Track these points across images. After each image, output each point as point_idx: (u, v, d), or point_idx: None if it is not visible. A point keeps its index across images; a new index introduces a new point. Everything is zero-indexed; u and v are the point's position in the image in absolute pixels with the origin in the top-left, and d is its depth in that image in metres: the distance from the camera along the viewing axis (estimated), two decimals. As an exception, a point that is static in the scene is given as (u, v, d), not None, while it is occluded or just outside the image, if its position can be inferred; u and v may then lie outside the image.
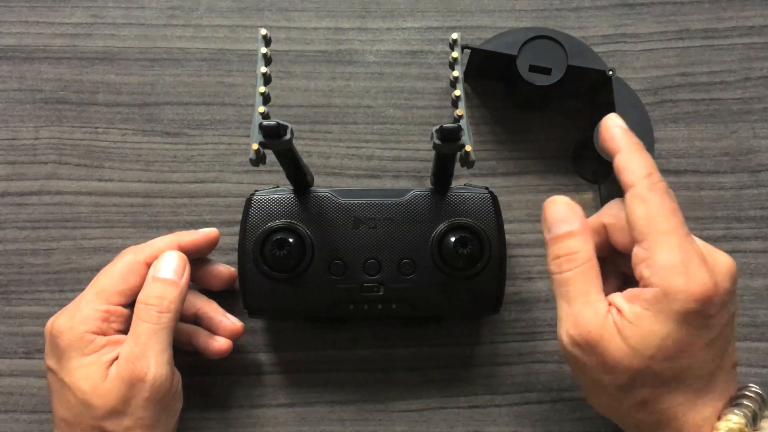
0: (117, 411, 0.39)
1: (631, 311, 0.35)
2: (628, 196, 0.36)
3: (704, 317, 0.34)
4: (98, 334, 0.40)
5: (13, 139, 0.51)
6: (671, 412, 0.35)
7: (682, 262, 0.34)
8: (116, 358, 0.40)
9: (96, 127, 0.51)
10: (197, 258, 0.46)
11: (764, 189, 0.51)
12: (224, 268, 0.47)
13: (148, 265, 0.42)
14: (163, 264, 0.42)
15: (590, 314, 0.36)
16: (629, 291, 0.36)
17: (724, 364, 0.36)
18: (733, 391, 0.37)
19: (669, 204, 0.36)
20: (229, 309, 0.47)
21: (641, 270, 0.35)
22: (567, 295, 0.37)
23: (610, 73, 0.48)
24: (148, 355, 0.39)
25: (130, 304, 0.42)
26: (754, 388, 0.36)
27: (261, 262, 0.42)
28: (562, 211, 0.38)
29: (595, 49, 0.49)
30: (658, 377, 0.35)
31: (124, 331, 0.41)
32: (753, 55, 0.53)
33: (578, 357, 0.37)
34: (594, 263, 0.37)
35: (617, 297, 0.36)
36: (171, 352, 0.40)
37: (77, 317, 0.40)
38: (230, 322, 0.46)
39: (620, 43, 0.53)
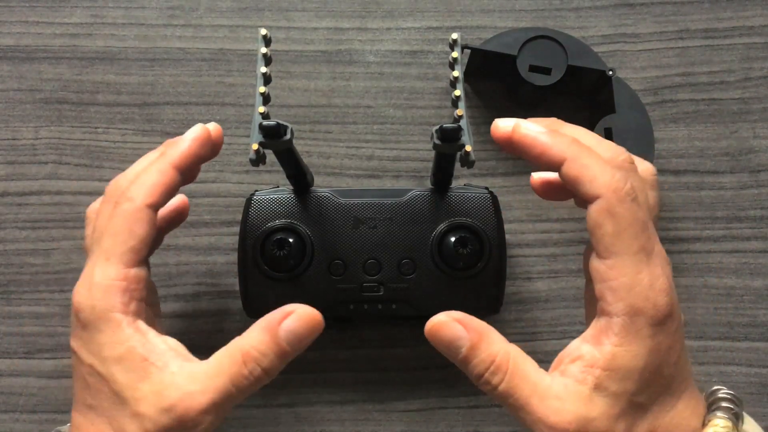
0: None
1: (603, 353, 0.32)
2: (594, 209, 0.32)
3: (671, 321, 0.33)
4: (123, 313, 0.34)
5: (13, 139, 0.51)
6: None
7: (649, 285, 0.32)
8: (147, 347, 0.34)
9: (96, 127, 0.51)
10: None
11: (764, 189, 0.51)
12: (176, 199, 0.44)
13: (150, 207, 0.35)
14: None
15: (557, 406, 0.32)
16: (592, 331, 0.33)
17: (688, 366, 0.35)
18: (697, 390, 0.35)
19: (639, 216, 0.32)
20: (229, 309, 0.47)
21: (603, 291, 0.33)
22: (517, 404, 0.32)
23: (610, 73, 0.48)
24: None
25: (144, 261, 0.36)
26: (725, 389, 0.35)
27: (261, 262, 0.42)
28: (450, 333, 0.34)
29: (595, 49, 0.49)
30: (652, 392, 0.33)
31: (147, 300, 0.36)
32: (753, 55, 0.53)
33: None
34: (516, 352, 0.33)
35: (582, 346, 0.33)
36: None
37: (95, 293, 0.34)
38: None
39: (620, 43, 0.53)
